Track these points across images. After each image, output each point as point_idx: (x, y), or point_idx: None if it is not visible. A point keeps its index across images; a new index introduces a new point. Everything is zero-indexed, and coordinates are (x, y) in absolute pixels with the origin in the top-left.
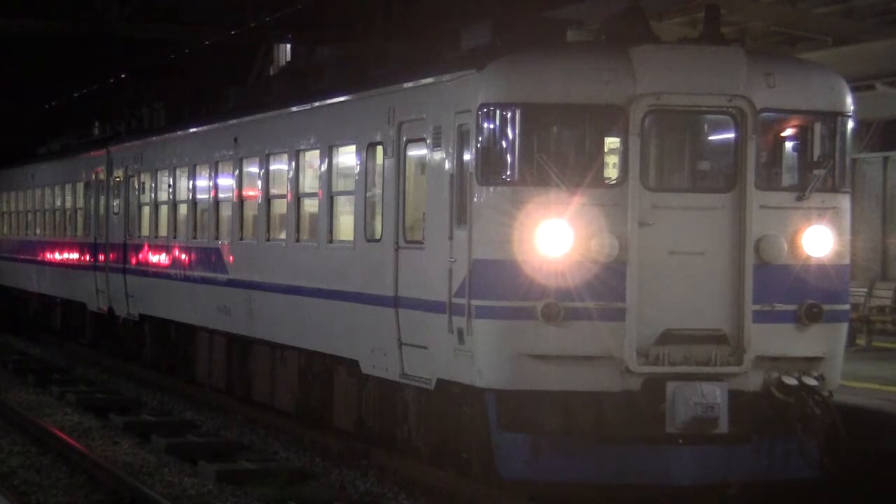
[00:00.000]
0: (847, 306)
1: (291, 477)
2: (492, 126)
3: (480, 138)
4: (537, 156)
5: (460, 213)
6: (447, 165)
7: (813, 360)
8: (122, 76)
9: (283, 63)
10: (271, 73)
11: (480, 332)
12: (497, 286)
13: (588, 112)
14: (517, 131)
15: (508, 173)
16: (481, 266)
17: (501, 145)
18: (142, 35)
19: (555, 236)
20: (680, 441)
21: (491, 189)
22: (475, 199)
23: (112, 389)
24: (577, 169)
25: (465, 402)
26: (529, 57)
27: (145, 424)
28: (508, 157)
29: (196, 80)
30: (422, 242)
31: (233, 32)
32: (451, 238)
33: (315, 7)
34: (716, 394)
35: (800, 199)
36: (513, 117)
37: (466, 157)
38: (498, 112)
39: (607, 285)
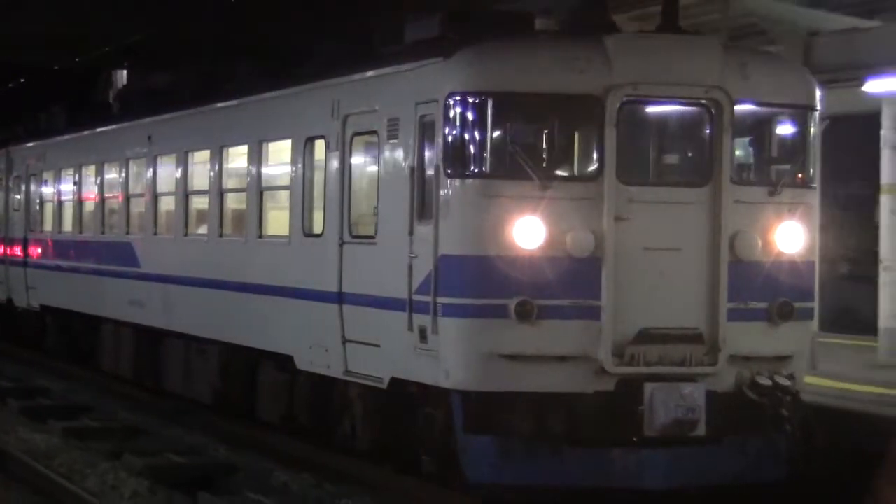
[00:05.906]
0: (814, 304)
1: (128, 433)
2: (461, 116)
3: (448, 129)
4: (509, 147)
5: (422, 208)
6: (406, 158)
7: (783, 359)
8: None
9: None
10: (111, 96)
11: (448, 331)
12: (466, 283)
13: (562, 102)
14: (488, 121)
15: (479, 165)
16: (449, 262)
17: (472, 136)
18: None
19: (527, 231)
20: (648, 445)
21: (460, 182)
22: (443, 193)
23: None
24: (551, 161)
25: (425, 402)
26: (501, 44)
27: (2, 390)
28: (479, 149)
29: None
30: (373, 237)
31: (77, 59)
32: (411, 233)
33: (151, 37)
34: (695, 395)
35: (771, 193)
36: (484, 107)
37: (430, 149)
38: (468, 101)
39: (582, 282)
